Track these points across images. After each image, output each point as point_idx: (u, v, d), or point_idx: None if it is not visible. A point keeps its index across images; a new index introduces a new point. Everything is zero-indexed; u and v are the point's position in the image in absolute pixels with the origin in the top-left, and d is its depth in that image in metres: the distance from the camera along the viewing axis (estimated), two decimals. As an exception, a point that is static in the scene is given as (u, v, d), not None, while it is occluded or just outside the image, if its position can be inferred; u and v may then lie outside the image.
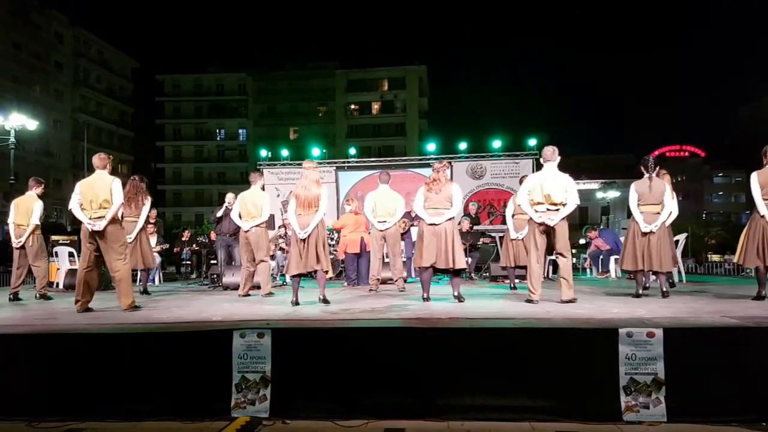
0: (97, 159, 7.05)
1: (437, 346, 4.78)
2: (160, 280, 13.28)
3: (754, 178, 6.69)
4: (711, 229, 55.23)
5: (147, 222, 8.98)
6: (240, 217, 8.59)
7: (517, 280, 9.18)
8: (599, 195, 58.34)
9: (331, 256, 12.52)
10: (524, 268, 8.66)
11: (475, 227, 12.34)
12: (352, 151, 21.91)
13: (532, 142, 17.65)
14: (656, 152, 68.52)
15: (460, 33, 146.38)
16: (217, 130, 69.49)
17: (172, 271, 17.10)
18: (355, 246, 10.73)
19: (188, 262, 15.87)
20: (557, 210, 6.65)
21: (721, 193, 70.58)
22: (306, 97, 67.55)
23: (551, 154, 6.85)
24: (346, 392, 4.68)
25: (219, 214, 11.05)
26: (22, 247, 8.52)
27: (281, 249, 12.84)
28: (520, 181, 9.14)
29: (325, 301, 7.09)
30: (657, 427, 4.34)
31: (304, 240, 6.97)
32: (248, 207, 8.52)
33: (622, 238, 12.24)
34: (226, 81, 69.13)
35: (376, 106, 68.00)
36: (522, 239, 8.59)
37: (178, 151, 69.12)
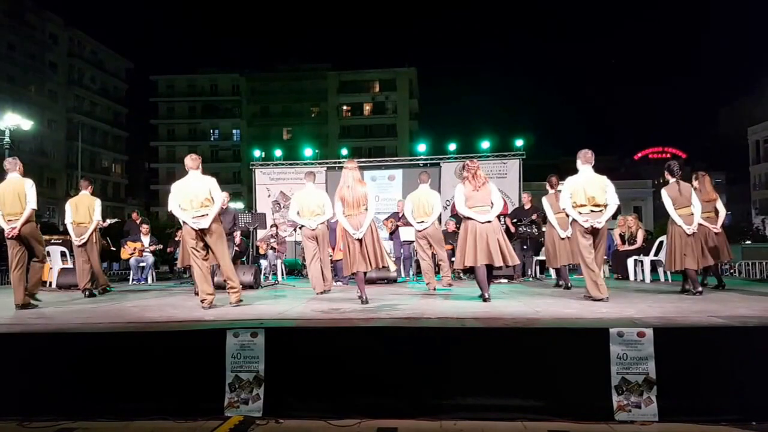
0: (189, 160, 7.10)
1: (428, 345, 4.78)
2: (152, 280, 13.27)
3: None
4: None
5: None
6: (298, 214, 8.67)
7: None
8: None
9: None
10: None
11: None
12: (344, 151, 21.95)
13: (519, 142, 17.77)
14: (639, 154, 68.83)
15: (449, 36, 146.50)
16: (211, 131, 69.42)
17: (165, 270, 17.09)
18: None
19: (182, 262, 15.82)
20: (601, 212, 6.72)
21: (702, 193, 70.59)
22: (299, 98, 67.54)
23: (591, 157, 6.93)
24: (339, 392, 4.68)
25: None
26: (83, 245, 8.82)
27: (272, 248, 12.85)
28: (549, 182, 9.17)
29: (366, 301, 7.02)
30: (648, 427, 4.35)
31: (360, 240, 6.96)
32: (312, 206, 8.58)
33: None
34: (219, 81, 69.07)
35: (367, 108, 68.21)
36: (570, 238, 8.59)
37: (171, 151, 68.86)
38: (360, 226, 6.97)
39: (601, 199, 6.70)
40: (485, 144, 18.05)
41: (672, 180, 7.53)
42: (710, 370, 4.49)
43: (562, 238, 8.73)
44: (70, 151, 53.57)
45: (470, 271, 7.30)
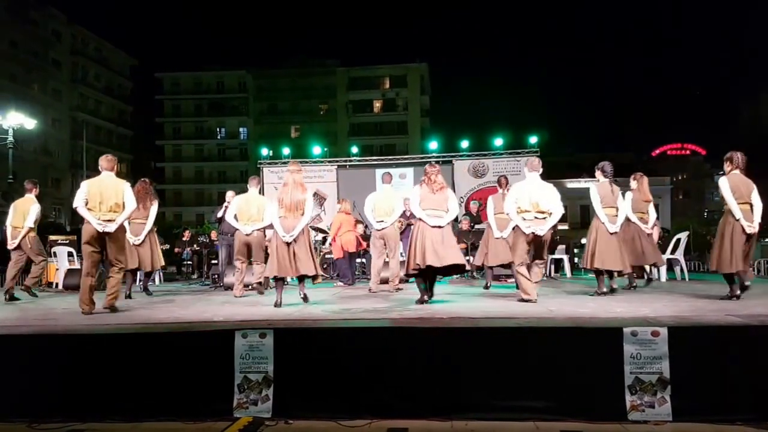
0: (104, 161, 7.00)
1: (440, 345, 4.76)
2: (160, 280, 13.26)
3: (724, 182, 6.71)
4: (713, 227, 55.19)
5: (154, 224, 8.91)
6: (236, 218, 8.54)
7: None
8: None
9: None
10: (507, 266, 8.73)
11: (476, 226, 12.31)
12: (354, 149, 21.88)
13: (534, 139, 17.62)
14: (657, 150, 68.55)
15: (461, 31, 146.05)
16: (218, 129, 68.93)
17: (173, 271, 17.08)
18: (352, 245, 10.82)
19: (189, 263, 15.85)
20: (544, 218, 6.79)
21: (722, 191, 70.60)
22: (307, 95, 66.79)
23: (538, 165, 7.11)
24: (349, 392, 4.66)
25: (219, 214, 11.03)
26: (18, 248, 8.61)
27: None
28: (498, 182, 9.25)
29: (305, 298, 7.19)
30: (662, 426, 4.33)
31: (288, 244, 6.91)
32: (251, 210, 8.50)
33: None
34: (226, 79, 68.54)
35: (377, 104, 67.45)
36: (505, 239, 8.59)
37: (178, 149, 68.78)
38: (292, 230, 6.92)
39: (545, 205, 6.79)
40: (498, 141, 17.95)
41: (604, 180, 7.68)
42: (726, 370, 4.45)
43: (496, 238, 8.79)
44: (75, 150, 53.30)
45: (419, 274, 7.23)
